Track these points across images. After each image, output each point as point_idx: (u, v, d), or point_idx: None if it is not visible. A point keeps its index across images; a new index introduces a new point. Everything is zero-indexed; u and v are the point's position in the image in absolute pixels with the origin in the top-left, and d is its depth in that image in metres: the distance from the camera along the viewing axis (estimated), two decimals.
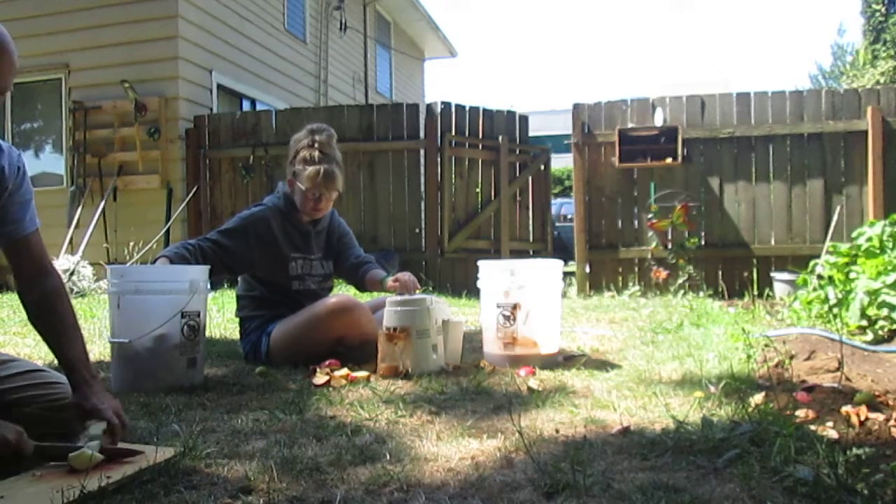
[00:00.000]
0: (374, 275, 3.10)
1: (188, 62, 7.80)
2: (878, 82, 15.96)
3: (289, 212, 3.00)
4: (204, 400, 2.26)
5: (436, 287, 6.40)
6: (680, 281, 6.42)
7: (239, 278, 3.09)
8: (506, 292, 2.84)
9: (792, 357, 2.71)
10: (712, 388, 2.20)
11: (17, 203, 1.70)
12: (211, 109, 8.10)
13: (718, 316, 4.26)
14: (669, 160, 6.65)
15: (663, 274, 6.55)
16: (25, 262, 1.72)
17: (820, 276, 4.13)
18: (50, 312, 1.72)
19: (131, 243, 6.76)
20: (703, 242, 6.67)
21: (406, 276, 2.94)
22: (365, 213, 7.21)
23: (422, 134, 7.24)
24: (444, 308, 2.86)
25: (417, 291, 2.90)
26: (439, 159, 7.09)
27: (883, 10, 17.37)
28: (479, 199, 7.34)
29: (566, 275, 5.37)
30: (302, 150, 2.96)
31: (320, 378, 2.50)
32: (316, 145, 2.93)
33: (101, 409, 1.64)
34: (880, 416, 1.83)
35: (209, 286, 2.64)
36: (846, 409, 1.89)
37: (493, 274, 2.95)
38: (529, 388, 2.37)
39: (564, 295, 6.12)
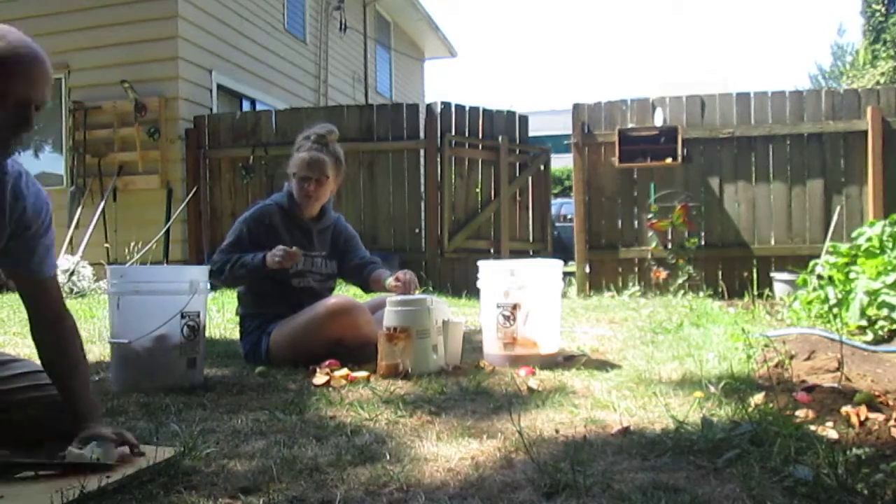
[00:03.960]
0: (378, 274, 3.11)
1: (188, 62, 7.80)
2: (878, 82, 15.95)
3: (291, 208, 3.05)
4: (204, 400, 2.26)
5: (436, 287, 6.40)
6: (680, 281, 6.42)
7: None
8: (506, 292, 2.84)
9: (792, 357, 2.71)
10: (712, 388, 2.20)
11: (45, 246, 1.72)
12: (211, 109, 8.10)
13: (718, 316, 4.26)
14: (669, 160, 6.65)
15: (663, 274, 6.55)
16: (44, 304, 1.73)
17: (820, 276, 4.12)
18: (62, 355, 1.72)
19: (131, 243, 6.76)
20: (703, 242, 6.66)
21: (407, 275, 2.94)
22: (365, 213, 7.21)
23: (422, 134, 7.24)
24: (444, 308, 2.86)
25: (417, 291, 2.90)
26: (439, 159, 7.09)
27: (883, 10, 17.36)
28: (479, 199, 7.34)
29: (566, 275, 5.37)
30: (298, 142, 3.12)
31: (320, 378, 2.50)
32: (311, 136, 3.07)
33: (102, 431, 1.61)
34: (880, 416, 1.83)
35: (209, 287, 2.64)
36: (846, 409, 1.89)
37: (493, 274, 2.95)
38: (529, 388, 2.37)
39: (564, 295, 6.12)
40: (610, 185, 6.92)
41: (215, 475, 1.51)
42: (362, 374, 2.56)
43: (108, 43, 7.68)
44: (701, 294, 6.11)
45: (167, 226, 7.10)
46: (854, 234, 4.20)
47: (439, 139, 7.08)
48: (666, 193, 6.71)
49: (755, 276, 6.43)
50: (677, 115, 6.77)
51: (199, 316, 2.50)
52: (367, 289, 3.25)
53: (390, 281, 2.95)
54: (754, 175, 6.69)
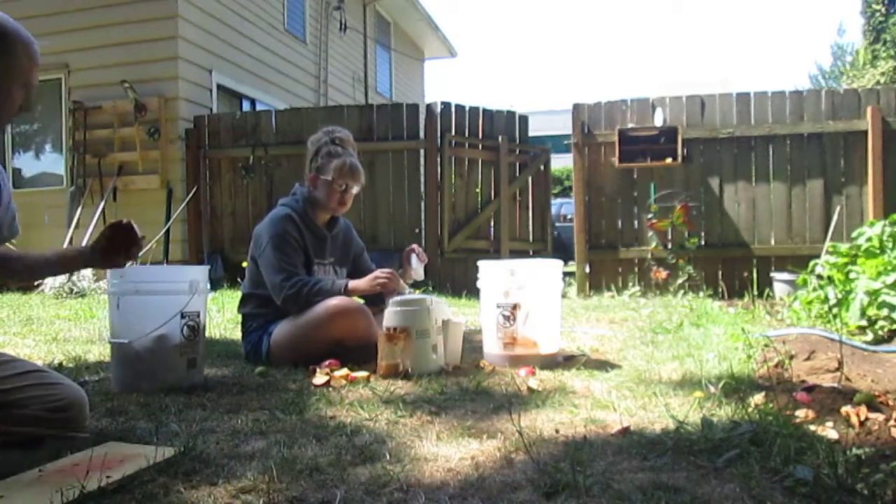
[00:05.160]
0: None
1: (188, 62, 7.80)
2: (878, 82, 15.96)
3: (307, 215, 3.03)
4: (204, 400, 2.26)
5: (436, 287, 6.40)
6: (680, 281, 6.42)
7: (246, 276, 3.10)
8: (506, 292, 2.84)
9: (792, 357, 2.71)
10: (712, 388, 2.20)
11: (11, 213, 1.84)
12: (211, 109, 8.10)
13: (718, 316, 4.26)
14: (669, 160, 6.65)
15: (663, 274, 6.55)
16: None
17: (820, 276, 4.13)
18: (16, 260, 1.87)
19: None
20: (703, 242, 6.67)
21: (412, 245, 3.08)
22: (365, 213, 7.21)
23: (422, 134, 7.24)
24: (444, 308, 2.86)
25: (416, 292, 2.91)
26: (439, 159, 7.09)
27: (883, 10, 17.37)
28: (479, 199, 7.34)
29: (566, 275, 5.38)
30: (323, 146, 3.06)
31: (320, 378, 2.50)
32: (337, 141, 3.05)
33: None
34: (880, 416, 1.83)
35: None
36: (846, 409, 1.89)
37: (493, 274, 2.95)
38: (529, 388, 2.37)
39: (564, 295, 6.12)
40: (610, 185, 6.92)
41: (215, 475, 1.51)
42: (362, 374, 2.56)
43: (108, 43, 7.68)
44: (701, 294, 6.11)
45: (167, 226, 7.10)
46: (854, 234, 4.20)
47: (439, 139, 7.08)
48: (666, 193, 6.71)
49: (755, 276, 6.43)
50: (677, 115, 6.77)
51: (199, 316, 2.50)
52: (377, 300, 3.21)
53: (409, 248, 3.11)
54: (754, 175, 6.69)
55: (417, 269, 3.03)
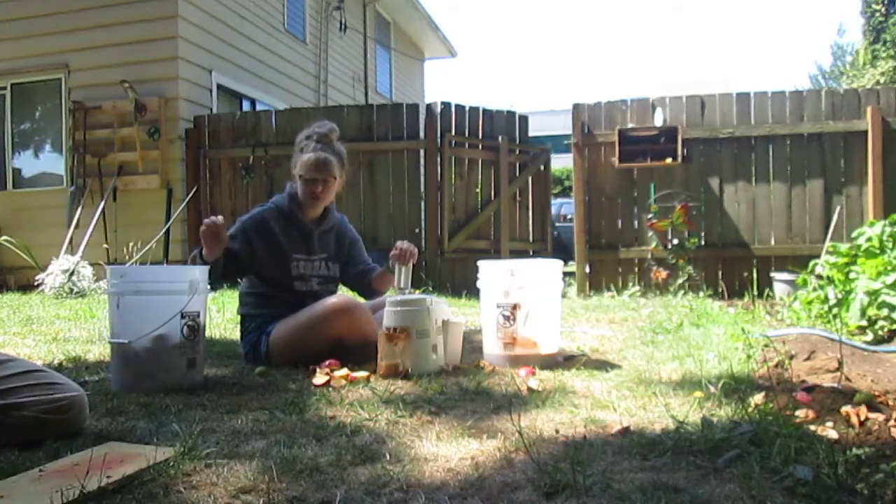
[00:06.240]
0: (378, 273, 3.14)
1: (188, 62, 7.80)
2: (878, 82, 15.96)
3: (291, 211, 3.03)
4: (204, 400, 2.26)
5: (436, 287, 6.40)
6: (680, 281, 6.42)
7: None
8: (506, 292, 2.84)
9: (792, 357, 2.71)
10: (712, 388, 2.20)
11: None
12: (211, 109, 8.10)
13: (718, 316, 4.26)
14: (669, 160, 6.65)
15: (663, 274, 6.55)
16: None
17: (820, 276, 4.13)
18: None
19: (131, 243, 6.76)
20: (703, 242, 6.66)
21: (404, 244, 2.92)
22: (365, 213, 7.21)
23: (422, 134, 7.24)
24: (444, 308, 2.86)
25: (416, 292, 2.90)
26: (439, 159, 7.09)
27: (883, 10, 17.38)
28: (479, 199, 7.34)
29: (566, 275, 5.37)
30: (300, 142, 3.07)
31: (320, 378, 2.50)
32: (314, 136, 3.03)
33: None
34: (880, 416, 1.83)
35: (211, 286, 2.64)
36: (846, 409, 1.89)
37: (493, 274, 2.95)
38: (529, 388, 2.37)
39: (564, 295, 6.12)
40: (610, 185, 6.92)
41: (215, 475, 1.51)
42: (362, 374, 2.56)
43: (108, 43, 7.69)
44: (701, 294, 6.11)
45: (167, 226, 7.09)
46: (854, 234, 4.20)
47: (439, 139, 7.09)
48: (666, 193, 6.71)
49: (755, 276, 6.43)
50: (677, 115, 6.77)
51: (199, 316, 2.50)
52: (369, 294, 3.22)
53: (391, 256, 2.94)
54: (754, 175, 6.69)
55: (402, 277, 2.93)
